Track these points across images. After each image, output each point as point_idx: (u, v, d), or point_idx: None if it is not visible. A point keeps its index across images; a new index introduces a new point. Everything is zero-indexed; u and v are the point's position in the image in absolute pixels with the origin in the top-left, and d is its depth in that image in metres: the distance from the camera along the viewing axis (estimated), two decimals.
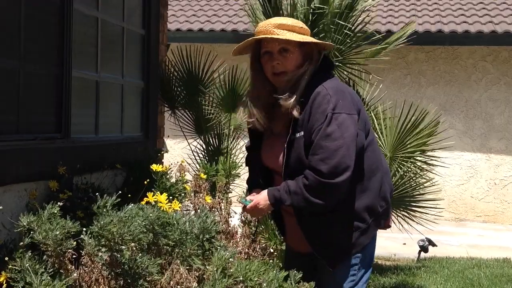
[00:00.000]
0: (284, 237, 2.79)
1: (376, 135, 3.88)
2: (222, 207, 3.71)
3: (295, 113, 2.40)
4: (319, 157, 2.33)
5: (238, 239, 3.75)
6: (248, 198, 2.57)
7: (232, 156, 4.96)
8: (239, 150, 5.02)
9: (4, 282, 2.33)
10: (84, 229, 2.45)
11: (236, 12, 10.36)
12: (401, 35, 4.91)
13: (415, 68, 9.77)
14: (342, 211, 2.47)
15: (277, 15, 4.78)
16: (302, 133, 2.41)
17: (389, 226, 2.69)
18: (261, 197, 2.48)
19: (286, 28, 2.45)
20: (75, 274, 2.40)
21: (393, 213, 4.82)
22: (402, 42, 4.92)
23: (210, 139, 5.13)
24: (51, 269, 2.36)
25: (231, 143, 5.05)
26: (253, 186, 2.67)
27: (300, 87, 2.43)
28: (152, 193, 2.96)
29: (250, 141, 2.72)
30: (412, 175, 4.69)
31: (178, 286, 2.45)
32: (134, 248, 2.42)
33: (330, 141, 2.33)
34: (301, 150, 2.40)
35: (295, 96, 2.41)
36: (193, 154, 5.17)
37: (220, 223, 3.16)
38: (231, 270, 2.39)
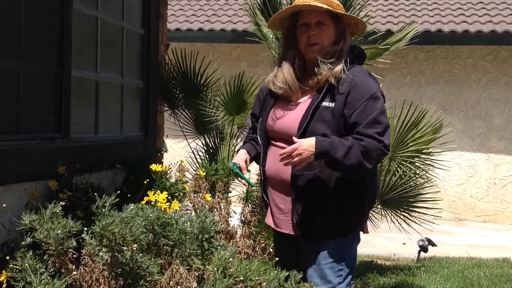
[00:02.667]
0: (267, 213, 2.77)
1: None
2: (222, 207, 3.72)
3: (333, 80, 2.46)
4: (378, 131, 2.41)
5: (238, 239, 3.76)
6: (235, 161, 2.60)
7: (235, 154, 4.94)
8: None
9: (4, 282, 2.33)
10: (85, 228, 2.46)
11: (235, 12, 10.36)
12: (402, 36, 4.91)
13: (414, 67, 9.77)
14: (357, 192, 2.51)
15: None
16: (332, 104, 2.45)
17: (367, 231, 2.73)
18: (306, 144, 2.38)
19: (324, 2, 2.51)
20: (74, 273, 2.40)
21: (392, 213, 4.83)
22: (406, 44, 4.92)
23: (210, 139, 5.13)
24: (52, 269, 2.36)
25: (232, 141, 5.04)
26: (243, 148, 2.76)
27: (342, 58, 2.51)
28: (152, 192, 2.96)
29: (257, 108, 2.76)
30: (412, 175, 4.69)
31: (178, 286, 2.45)
32: (135, 248, 2.41)
33: (385, 118, 2.46)
34: (329, 118, 2.44)
35: (341, 64, 2.48)
36: (193, 153, 5.17)
37: (220, 223, 3.16)
38: (231, 270, 2.39)
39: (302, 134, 2.47)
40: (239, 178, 2.64)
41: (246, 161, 2.68)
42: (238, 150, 2.78)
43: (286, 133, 2.55)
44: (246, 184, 2.67)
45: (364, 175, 2.53)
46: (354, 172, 2.46)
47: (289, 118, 2.56)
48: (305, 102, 2.55)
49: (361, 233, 2.71)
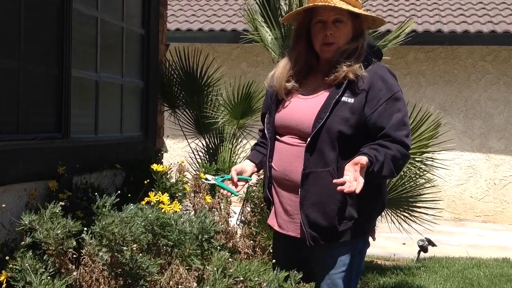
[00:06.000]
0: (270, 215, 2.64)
1: None
2: (222, 207, 3.71)
3: (352, 75, 2.39)
4: (405, 133, 2.38)
5: (238, 239, 3.75)
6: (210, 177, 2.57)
7: (234, 155, 4.95)
8: (242, 148, 5.01)
9: (4, 282, 2.33)
10: (85, 228, 2.45)
11: (235, 12, 10.37)
12: (399, 33, 4.91)
13: (414, 68, 9.77)
14: (370, 194, 2.40)
15: (275, 16, 4.79)
16: (352, 100, 2.38)
17: (374, 238, 2.66)
18: (354, 168, 2.23)
19: None
20: (75, 274, 2.40)
21: (392, 213, 4.83)
22: (402, 41, 4.91)
23: (210, 139, 5.13)
24: (52, 269, 2.36)
25: (232, 141, 5.04)
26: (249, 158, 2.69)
27: (362, 56, 2.44)
28: (153, 192, 2.97)
29: (267, 107, 2.67)
30: (412, 175, 4.69)
31: (178, 286, 2.45)
32: (135, 248, 2.41)
33: (408, 120, 2.43)
34: (347, 115, 2.36)
35: (360, 63, 2.41)
36: (193, 154, 5.17)
37: (220, 223, 3.16)
38: (231, 270, 2.39)
39: (319, 129, 2.37)
40: (222, 190, 2.58)
41: (242, 171, 2.60)
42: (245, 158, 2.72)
43: (298, 128, 2.45)
44: (230, 193, 2.59)
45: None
46: (382, 180, 2.45)
47: (302, 112, 2.45)
48: (319, 96, 2.45)
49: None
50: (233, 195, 2.60)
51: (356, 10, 2.44)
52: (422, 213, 4.85)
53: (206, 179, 2.68)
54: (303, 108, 2.47)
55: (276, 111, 2.55)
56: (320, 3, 2.44)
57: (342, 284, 2.47)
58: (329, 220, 2.40)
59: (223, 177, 2.62)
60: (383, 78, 2.41)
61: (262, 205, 3.89)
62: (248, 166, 2.64)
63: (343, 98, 2.39)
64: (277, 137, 2.54)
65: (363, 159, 2.23)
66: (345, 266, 2.47)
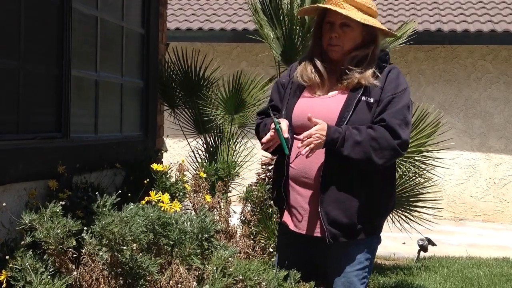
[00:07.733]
0: (283, 214, 2.60)
1: None
2: (222, 207, 3.72)
3: (365, 82, 2.42)
4: (397, 122, 2.37)
5: (238, 239, 3.76)
6: (281, 121, 2.40)
7: (235, 153, 4.94)
8: (243, 146, 5.01)
9: (4, 281, 2.33)
10: (85, 228, 2.45)
11: (235, 11, 10.37)
12: (400, 34, 4.91)
13: (414, 67, 9.77)
14: (386, 192, 2.48)
15: (277, 15, 4.79)
16: (371, 99, 2.42)
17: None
18: (321, 128, 2.32)
19: (354, 5, 2.46)
20: (75, 273, 2.41)
21: (393, 213, 4.83)
22: (403, 43, 4.92)
23: (210, 138, 5.13)
24: (52, 268, 2.36)
25: (232, 142, 5.04)
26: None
27: (374, 63, 2.48)
28: (154, 191, 2.97)
29: (277, 100, 2.66)
30: (411, 174, 4.69)
31: (178, 286, 2.46)
32: (135, 248, 2.42)
33: (408, 114, 2.43)
34: (367, 113, 2.41)
35: (372, 69, 2.46)
36: (193, 153, 5.18)
37: (220, 223, 3.17)
38: (231, 269, 2.39)
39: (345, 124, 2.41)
40: (275, 139, 2.41)
41: (287, 126, 2.46)
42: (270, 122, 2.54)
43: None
44: (281, 147, 2.41)
45: (387, 173, 2.51)
46: (362, 165, 2.39)
47: (324, 111, 2.45)
48: (336, 97, 2.48)
49: None
50: (284, 152, 2.42)
51: (361, 20, 2.43)
52: (422, 212, 4.85)
53: (278, 123, 2.41)
54: (323, 108, 2.48)
55: (292, 111, 2.55)
56: (328, 5, 2.48)
57: (357, 282, 2.48)
58: (349, 218, 2.42)
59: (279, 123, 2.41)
60: (392, 79, 2.48)
61: (262, 204, 3.90)
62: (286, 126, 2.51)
63: (363, 98, 2.43)
64: (294, 136, 2.52)
65: (322, 125, 2.31)
66: (361, 264, 2.50)
